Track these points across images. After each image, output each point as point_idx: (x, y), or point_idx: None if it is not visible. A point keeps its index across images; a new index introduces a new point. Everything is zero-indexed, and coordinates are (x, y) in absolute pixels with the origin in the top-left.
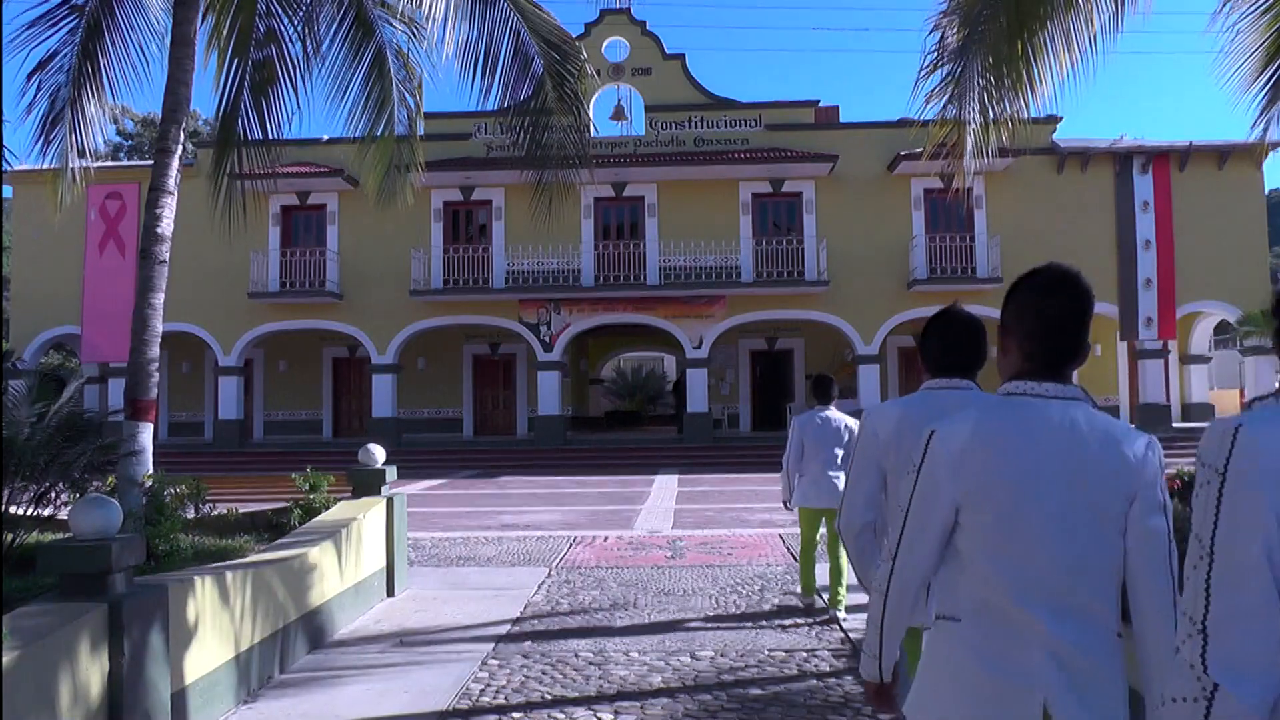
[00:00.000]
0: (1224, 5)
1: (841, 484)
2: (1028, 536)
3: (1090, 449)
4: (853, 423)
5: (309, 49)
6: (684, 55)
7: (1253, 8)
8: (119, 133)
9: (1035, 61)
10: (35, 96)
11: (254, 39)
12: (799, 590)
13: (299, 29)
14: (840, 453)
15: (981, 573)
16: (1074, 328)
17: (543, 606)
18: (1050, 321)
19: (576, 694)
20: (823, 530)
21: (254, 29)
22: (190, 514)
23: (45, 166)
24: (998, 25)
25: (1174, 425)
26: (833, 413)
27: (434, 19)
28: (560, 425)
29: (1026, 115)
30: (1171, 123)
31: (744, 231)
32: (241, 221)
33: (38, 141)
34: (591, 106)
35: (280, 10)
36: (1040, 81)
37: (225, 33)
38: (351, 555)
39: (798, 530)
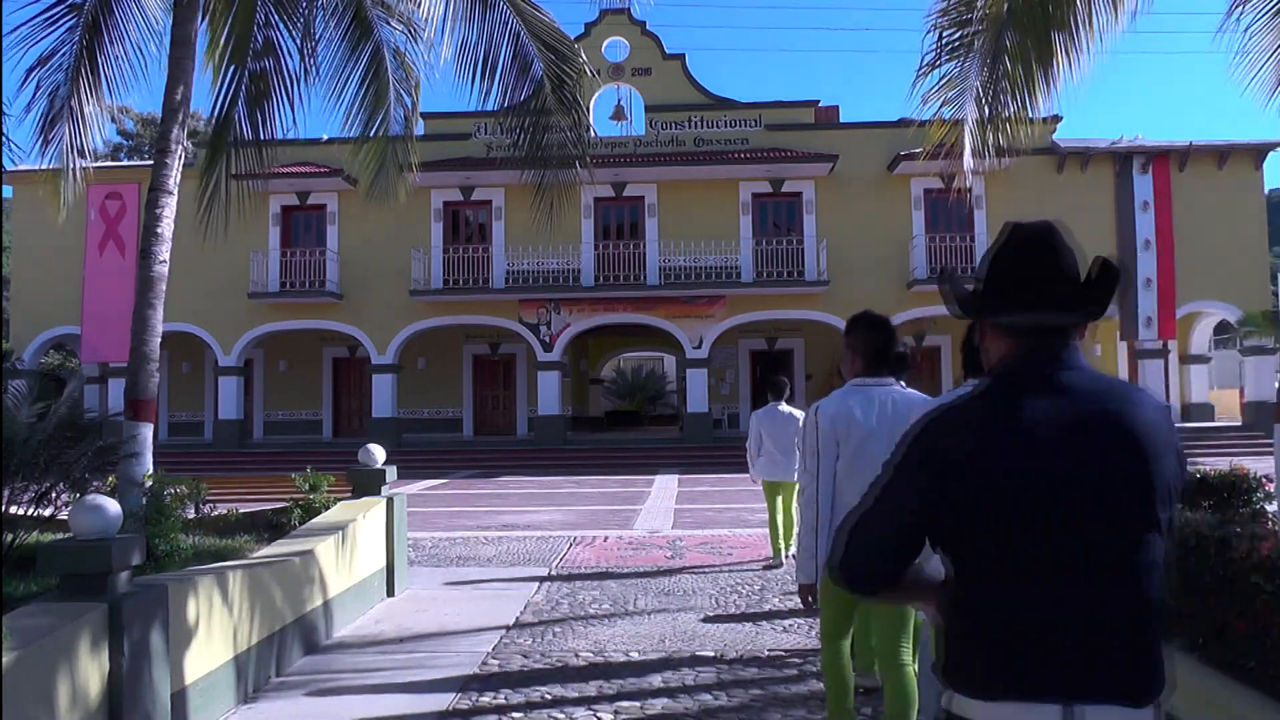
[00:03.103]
0: (1234, 8)
1: (791, 462)
2: (871, 464)
3: (899, 411)
4: (799, 413)
5: (308, 63)
6: (684, 55)
7: (1264, 10)
8: (119, 132)
9: (1035, 62)
10: (35, 95)
11: (252, 50)
12: (770, 554)
13: (298, 42)
14: (788, 438)
15: (846, 488)
16: (887, 350)
17: (543, 606)
18: (876, 346)
19: (576, 694)
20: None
21: (252, 39)
22: (190, 514)
23: (45, 166)
24: (996, 26)
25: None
26: (784, 407)
27: (432, 20)
28: (560, 425)
29: (1026, 115)
30: (1171, 123)
31: (744, 231)
32: (235, 224)
33: (37, 140)
34: (591, 106)
35: (279, 22)
36: (1040, 82)
37: (222, 41)
38: (351, 555)
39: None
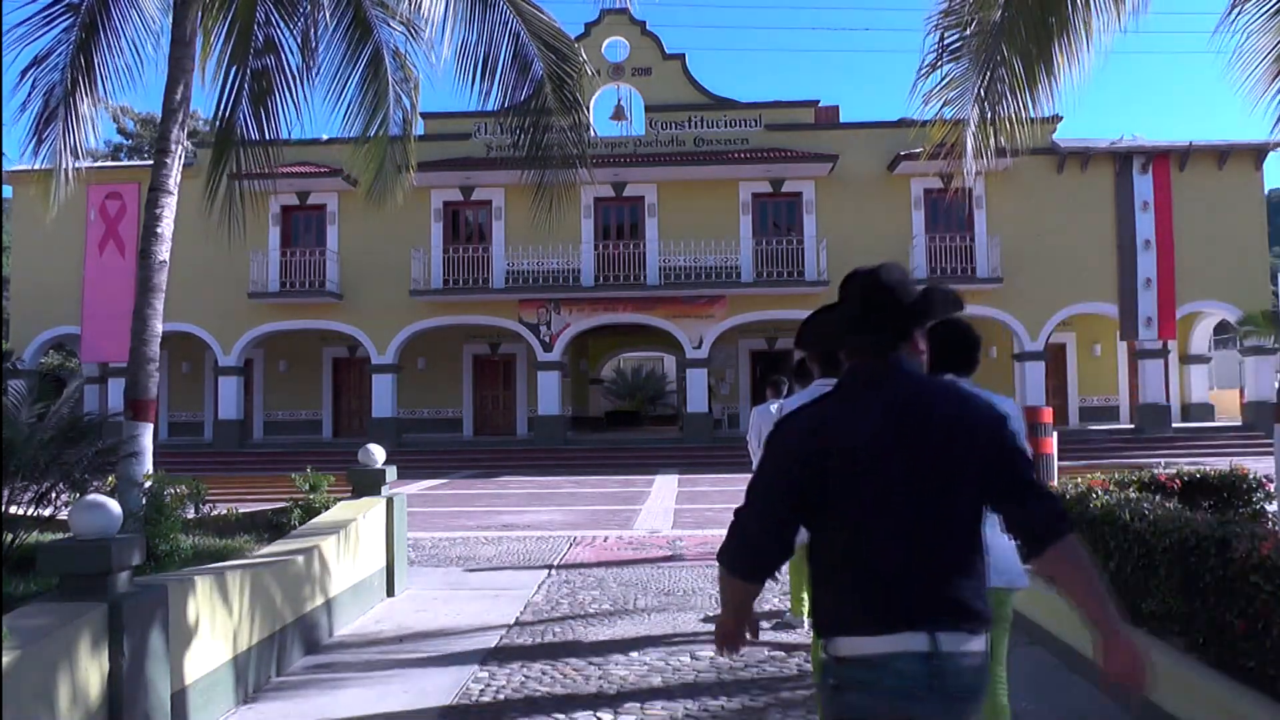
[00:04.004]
0: (1233, 8)
1: None
2: None
3: None
4: None
5: (309, 60)
6: (684, 55)
7: (1262, 10)
8: (120, 132)
9: (1036, 62)
10: (30, 94)
11: (253, 48)
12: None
13: (298, 40)
14: None
15: None
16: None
17: (543, 606)
18: (827, 351)
19: (576, 694)
20: None
21: (253, 37)
22: (190, 514)
23: (38, 166)
24: (997, 26)
25: (1174, 425)
26: (775, 405)
27: (432, 20)
28: (560, 425)
29: (1027, 115)
30: (1171, 123)
31: (744, 231)
32: (240, 226)
33: (30, 140)
34: (591, 106)
35: (280, 20)
36: (1041, 81)
37: (223, 40)
38: (351, 555)
39: None
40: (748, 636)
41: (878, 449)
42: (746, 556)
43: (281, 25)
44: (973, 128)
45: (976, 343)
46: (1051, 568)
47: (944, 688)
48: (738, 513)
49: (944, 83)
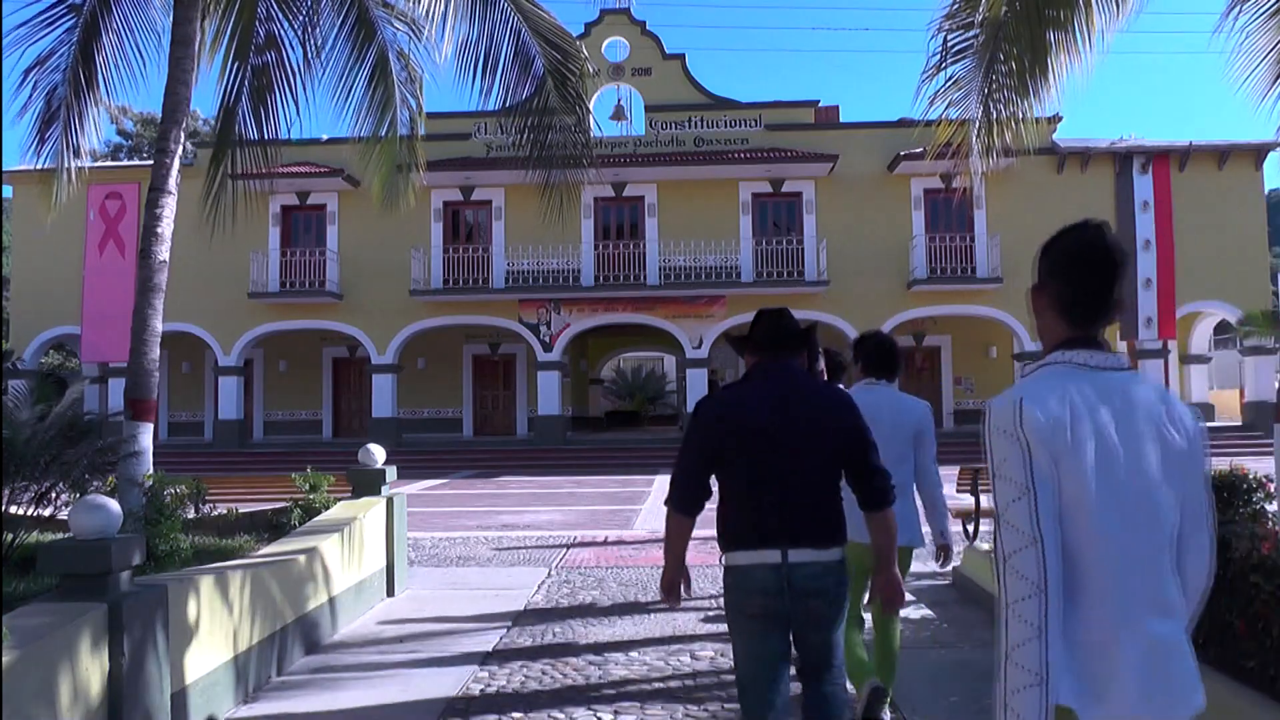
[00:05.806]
0: (1232, 8)
1: None
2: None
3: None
4: None
5: (309, 54)
6: (684, 55)
7: (1261, 10)
8: (119, 132)
9: (1041, 62)
10: (31, 95)
11: (254, 44)
12: None
13: (299, 34)
14: None
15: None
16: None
17: (543, 606)
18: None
19: (576, 694)
20: None
21: (254, 34)
22: (190, 514)
23: (40, 166)
24: (998, 28)
25: None
26: None
27: (434, 19)
28: (560, 425)
29: (1031, 115)
30: (1171, 123)
31: (744, 231)
32: (236, 223)
33: (33, 141)
34: (592, 106)
35: (280, 15)
36: (1042, 82)
37: (226, 37)
38: (351, 555)
39: None
40: (683, 592)
41: (766, 423)
42: (680, 495)
43: (283, 20)
44: (978, 127)
45: (898, 354)
46: (869, 524)
47: (793, 586)
48: (675, 466)
49: (949, 83)
